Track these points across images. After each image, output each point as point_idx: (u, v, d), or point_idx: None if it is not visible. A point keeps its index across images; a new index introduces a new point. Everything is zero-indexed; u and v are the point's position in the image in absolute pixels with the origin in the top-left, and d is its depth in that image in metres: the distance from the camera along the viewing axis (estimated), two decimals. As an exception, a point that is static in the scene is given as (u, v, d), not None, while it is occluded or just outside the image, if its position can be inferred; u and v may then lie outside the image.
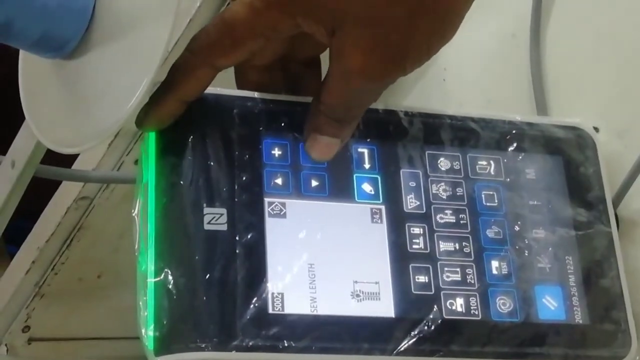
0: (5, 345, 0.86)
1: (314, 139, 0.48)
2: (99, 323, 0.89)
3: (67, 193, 0.75)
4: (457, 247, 0.50)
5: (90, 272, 0.83)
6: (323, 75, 0.47)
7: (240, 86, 0.50)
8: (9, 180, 0.62)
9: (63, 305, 0.85)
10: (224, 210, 0.46)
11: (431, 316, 0.47)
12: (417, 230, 0.49)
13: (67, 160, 0.70)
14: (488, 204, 0.51)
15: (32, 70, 0.52)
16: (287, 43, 0.49)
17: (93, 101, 0.47)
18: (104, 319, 0.88)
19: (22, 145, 0.60)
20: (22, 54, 0.53)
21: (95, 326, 0.90)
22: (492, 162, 0.52)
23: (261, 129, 0.48)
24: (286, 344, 0.45)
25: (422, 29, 0.44)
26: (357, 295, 0.47)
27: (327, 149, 0.48)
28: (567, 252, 0.51)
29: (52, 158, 0.59)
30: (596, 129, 0.55)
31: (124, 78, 0.45)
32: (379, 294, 0.47)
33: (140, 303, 0.44)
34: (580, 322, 0.50)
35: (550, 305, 0.50)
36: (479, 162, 0.52)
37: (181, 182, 0.46)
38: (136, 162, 0.71)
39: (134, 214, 0.47)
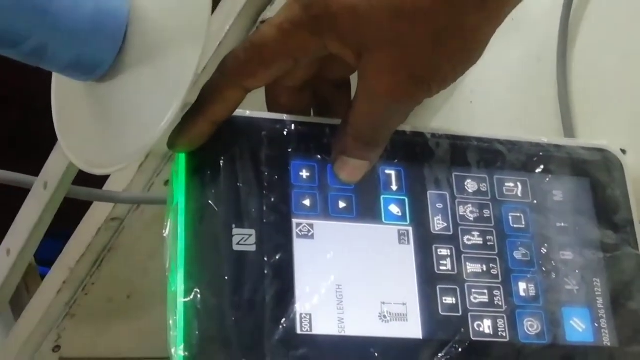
0: (36, 364, 0.86)
1: (343, 161, 0.48)
2: (129, 343, 0.89)
3: (97, 214, 0.75)
4: (485, 269, 0.50)
5: (120, 292, 0.84)
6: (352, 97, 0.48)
7: (270, 108, 0.50)
8: (41, 201, 0.63)
9: (93, 325, 0.85)
10: (252, 231, 0.47)
11: (459, 338, 0.47)
12: (444, 252, 0.49)
13: (98, 181, 0.71)
14: (515, 225, 0.51)
15: (65, 93, 0.53)
16: (316, 65, 0.49)
17: (124, 123, 0.48)
18: (134, 339, 0.88)
19: (54, 167, 0.61)
20: (55, 77, 0.53)
21: (124, 346, 0.90)
22: (519, 184, 0.52)
23: (289, 150, 0.49)
24: (314, 364, 0.45)
25: (448, 51, 0.44)
26: (385, 317, 0.47)
27: (355, 171, 0.48)
28: (595, 274, 0.51)
29: (83, 179, 0.60)
30: (623, 151, 0.55)
31: (155, 100, 0.46)
32: (406, 315, 0.47)
33: (171, 322, 0.45)
34: (609, 344, 0.50)
35: (578, 328, 0.50)
36: (506, 184, 0.52)
37: (211, 203, 0.47)
38: (166, 183, 0.72)
39: (164, 235, 0.47)
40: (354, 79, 0.48)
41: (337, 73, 0.50)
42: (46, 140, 0.60)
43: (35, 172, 0.65)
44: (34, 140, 0.80)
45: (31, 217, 0.69)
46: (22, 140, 1.12)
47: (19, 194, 0.69)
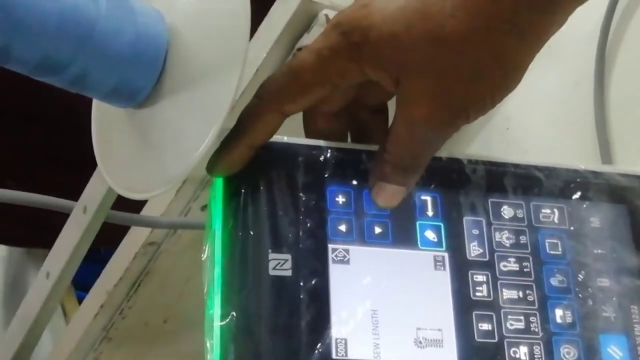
0: (74, 387, 0.87)
1: (380, 187, 0.48)
2: (165, 367, 0.90)
3: (135, 238, 0.76)
4: (521, 295, 0.49)
5: (156, 316, 0.84)
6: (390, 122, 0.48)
7: (308, 133, 0.51)
8: (80, 225, 0.64)
9: (130, 349, 0.86)
10: (288, 256, 0.47)
11: (495, 364, 0.47)
12: (480, 278, 0.49)
13: (136, 205, 0.72)
14: (552, 252, 0.51)
15: (105, 119, 0.53)
16: (354, 90, 0.50)
17: (163, 149, 0.49)
18: (170, 363, 0.89)
19: (93, 192, 0.62)
20: (95, 103, 0.54)
21: (161, 370, 0.91)
22: (555, 210, 0.52)
23: (326, 176, 0.49)
24: (349, 390, 0.45)
25: (486, 79, 0.44)
26: (420, 342, 0.47)
27: (392, 196, 0.49)
28: (632, 302, 0.50)
29: (121, 204, 0.60)
30: (661, 178, 0.54)
31: (193, 126, 0.47)
32: (442, 341, 0.47)
33: (207, 345, 0.45)
34: (647, 372, 0.49)
35: (615, 355, 0.49)
36: (543, 210, 0.52)
37: (247, 228, 0.47)
38: (203, 208, 0.72)
39: (203, 259, 0.48)
40: (391, 104, 0.48)
41: (374, 99, 0.50)
42: (84, 165, 0.61)
43: (75, 197, 0.66)
44: (75, 160, 0.81)
45: (70, 240, 0.70)
46: (65, 160, 1.13)
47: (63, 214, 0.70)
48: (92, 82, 0.47)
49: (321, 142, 0.50)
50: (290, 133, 0.49)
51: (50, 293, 0.76)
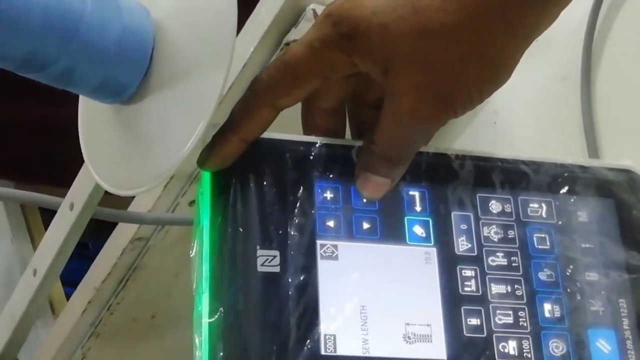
0: (62, 383, 0.86)
1: (366, 178, 0.49)
2: (153, 363, 0.90)
3: (123, 234, 0.76)
4: (509, 290, 0.49)
5: (144, 312, 0.84)
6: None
7: (306, 130, 0.51)
8: (67, 222, 0.63)
9: (118, 345, 0.86)
10: (277, 253, 0.47)
11: (483, 359, 0.47)
12: (468, 273, 0.49)
13: (124, 201, 0.71)
14: (540, 246, 0.51)
15: (91, 115, 0.53)
16: (351, 85, 0.50)
17: (150, 144, 0.48)
18: (158, 359, 0.89)
19: (80, 188, 0.62)
20: (82, 99, 0.54)
21: (149, 366, 0.90)
22: (543, 204, 0.52)
23: (314, 172, 0.49)
24: (338, 385, 0.45)
25: (475, 73, 0.44)
26: (409, 338, 0.47)
27: (378, 188, 0.49)
28: (620, 295, 0.51)
29: (108, 200, 0.60)
30: (648, 172, 0.55)
31: (181, 122, 0.46)
32: (430, 336, 0.47)
33: (196, 342, 0.45)
34: (635, 366, 0.49)
35: (604, 349, 0.49)
36: (531, 205, 0.52)
37: (235, 224, 0.47)
38: (191, 203, 0.72)
39: (191, 255, 0.47)
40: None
41: (373, 94, 0.50)
42: (71, 161, 0.60)
43: (62, 194, 0.66)
44: (64, 163, 0.81)
45: (57, 237, 0.70)
46: (54, 164, 1.13)
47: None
48: (79, 78, 0.47)
49: (309, 138, 0.50)
50: (281, 129, 0.49)
51: (37, 290, 0.76)
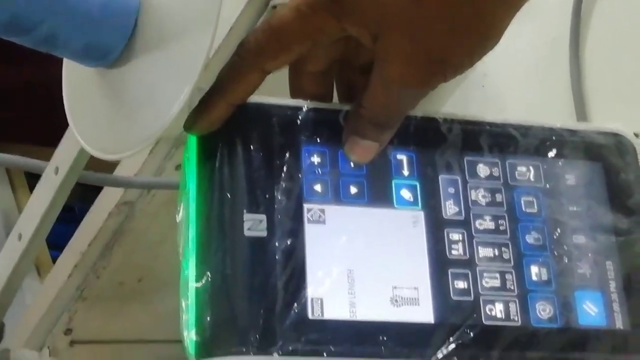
0: (48, 347, 0.87)
1: (354, 141, 0.48)
2: (140, 326, 0.90)
3: (109, 198, 0.76)
4: (497, 253, 0.49)
5: (131, 276, 0.84)
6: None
7: (293, 94, 0.51)
8: (52, 186, 0.63)
9: (104, 309, 0.86)
10: (263, 217, 0.47)
11: (470, 322, 0.47)
12: (456, 237, 0.49)
13: (110, 165, 0.71)
14: (527, 210, 0.51)
15: (76, 79, 0.53)
16: (339, 49, 0.49)
17: (136, 108, 0.48)
18: (145, 323, 0.89)
19: (65, 152, 0.61)
20: (66, 62, 0.53)
21: (136, 329, 0.90)
22: (531, 168, 0.52)
23: (301, 136, 0.49)
24: (325, 349, 0.45)
25: (464, 38, 0.44)
26: (396, 301, 0.47)
27: (366, 152, 0.48)
28: (608, 258, 0.51)
29: (94, 164, 0.60)
30: (637, 135, 0.55)
31: (166, 85, 0.46)
32: (418, 299, 0.47)
33: (183, 306, 0.45)
34: (621, 327, 0.49)
35: (590, 311, 0.50)
36: (518, 169, 0.52)
37: (222, 189, 0.47)
38: (177, 167, 0.72)
39: (177, 220, 0.47)
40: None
41: (362, 58, 0.50)
42: (56, 125, 0.60)
43: (47, 158, 0.66)
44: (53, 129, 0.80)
45: (42, 202, 0.69)
46: (44, 130, 1.12)
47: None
48: (63, 42, 0.47)
49: (296, 102, 0.49)
50: (268, 93, 0.49)
51: (22, 255, 0.75)
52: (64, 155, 0.62)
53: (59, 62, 0.53)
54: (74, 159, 0.60)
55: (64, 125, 0.54)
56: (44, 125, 0.98)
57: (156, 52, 0.47)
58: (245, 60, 0.47)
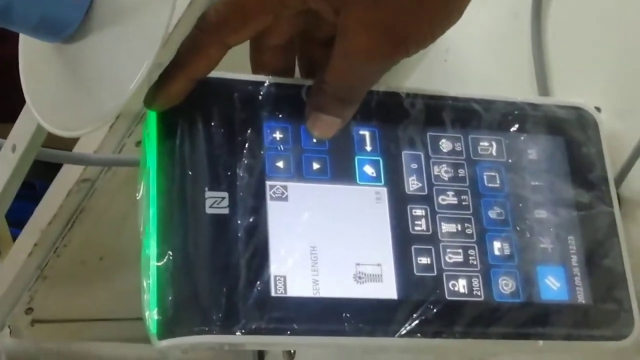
0: (9, 327, 0.86)
1: (316, 117, 0.48)
2: (102, 305, 0.89)
3: (68, 175, 0.75)
4: (459, 229, 0.50)
5: (92, 254, 0.83)
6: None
7: (255, 69, 0.50)
8: (9, 164, 0.62)
9: (66, 288, 0.85)
10: (225, 194, 0.46)
11: (433, 298, 0.47)
12: (419, 212, 0.49)
13: (69, 142, 0.70)
14: (490, 185, 0.51)
15: (33, 54, 0.52)
16: (300, 22, 0.49)
17: (94, 84, 0.47)
18: (107, 301, 0.88)
19: (23, 129, 0.60)
20: (23, 38, 0.52)
21: (98, 308, 0.90)
22: (493, 143, 0.52)
23: (263, 112, 0.48)
24: (289, 327, 0.45)
25: (427, 12, 0.44)
26: (360, 278, 0.47)
27: (328, 127, 0.48)
28: (570, 233, 0.51)
29: (54, 141, 0.59)
30: (598, 109, 0.55)
31: (125, 60, 0.45)
32: (381, 276, 0.47)
33: (144, 285, 0.45)
34: (583, 302, 0.50)
35: (552, 286, 0.50)
36: (481, 144, 0.52)
37: (183, 166, 0.46)
38: (137, 144, 0.71)
39: (138, 197, 0.47)
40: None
41: (322, 31, 0.49)
42: (13, 101, 0.59)
43: (4, 135, 0.64)
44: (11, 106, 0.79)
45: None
46: (1, 107, 1.11)
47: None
48: (17, 16, 0.46)
49: (257, 77, 0.49)
50: (229, 68, 0.48)
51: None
52: (21, 132, 0.61)
53: (16, 38, 0.52)
54: (31, 136, 0.59)
55: (22, 102, 0.53)
56: (1, 102, 0.96)
57: (114, 26, 0.46)
58: (206, 34, 0.46)
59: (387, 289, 0.47)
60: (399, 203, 0.49)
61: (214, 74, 0.48)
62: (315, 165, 0.48)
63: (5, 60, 0.66)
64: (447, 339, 0.47)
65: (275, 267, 0.46)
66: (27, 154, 0.61)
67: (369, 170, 0.49)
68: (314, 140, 0.49)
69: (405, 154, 0.50)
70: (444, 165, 0.51)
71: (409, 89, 0.51)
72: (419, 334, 0.46)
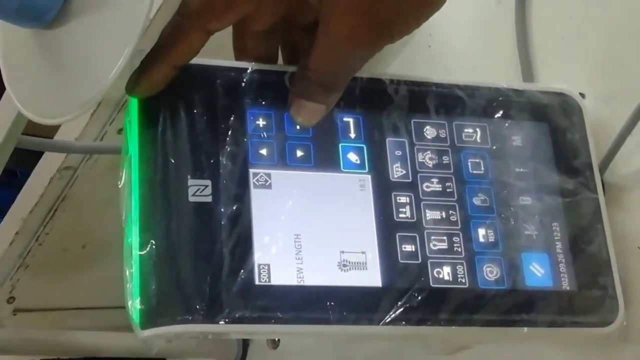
0: (-9, 316, 0.86)
1: (300, 104, 0.48)
2: (84, 293, 0.89)
3: (50, 163, 0.74)
4: (444, 216, 0.49)
5: (74, 242, 0.83)
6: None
7: (237, 55, 0.50)
8: (-10, 151, 0.62)
9: (48, 276, 0.85)
10: (208, 182, 0.46)
11: (418, 285, 0.47)
12: (403, 199, 0.49)
13: (50, 130, 0.70)
14: (474, 171, 0.51)
15: (12, 41, 0.51)
16: (284, 8, 0.48)
17: (75, 71, 0.47)
18: (89, 289, 0.88)
19: (3, 117, 0.60)
20: (1, 24, 0.52)
21: (80, 296, 0.90)
22: (478, 129, 0.52)
23: (246, 99, 0.48)
24: (273, 315, 0.45)
25: None
26: (344, 265, 0.47)
27: (312, 114, 0.48)
28: (554, 219, 0.51)
29: (35, 129, 0.59)
30: (582, 95, 0.55)
31: (106, 47, 0.45)
32: (365, 263, 0.47)
33: (127, 274, 0.44)
34: (568, 288, 0.50)
35: (537, 272, 0.50)
36: (465, 130, 0.51)
37: (165, 154, 0.46)
38: (119, 131, 0.71)
39: (120, 185, 0.46)
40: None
41: (306, 17, 0.49)
42: None
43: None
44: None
45: (-19, 167, 0.68)
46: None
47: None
48: (-4, 2, 0.45)
49: (240, 64, 0.49)
50: (211, 54, 0.48)
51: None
52: (1, 119, 0.60)
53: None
54: (11, 123, 0.59)
55: (1, 89, 0.52)
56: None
57: (95, 11, 0.46)
58: (188, 20, 0.46)
59: (371, 277, 0.47)
60: (384, 190, 0.49)
61: (196, 60, 0.47)
62: (299, 153, 0.48)
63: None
64: (431, 327, 0.47)
65: (259, 256, 0.45)
66: (7, 142, 0.60)
67: (353, 157, 0.49)
68: (298, 128, 0.48)
69: (389, 140, 0.50)
70: (428, 152, 0.50)
71: (393, 75, 0.51)
72: (403, 322, 0.46)
